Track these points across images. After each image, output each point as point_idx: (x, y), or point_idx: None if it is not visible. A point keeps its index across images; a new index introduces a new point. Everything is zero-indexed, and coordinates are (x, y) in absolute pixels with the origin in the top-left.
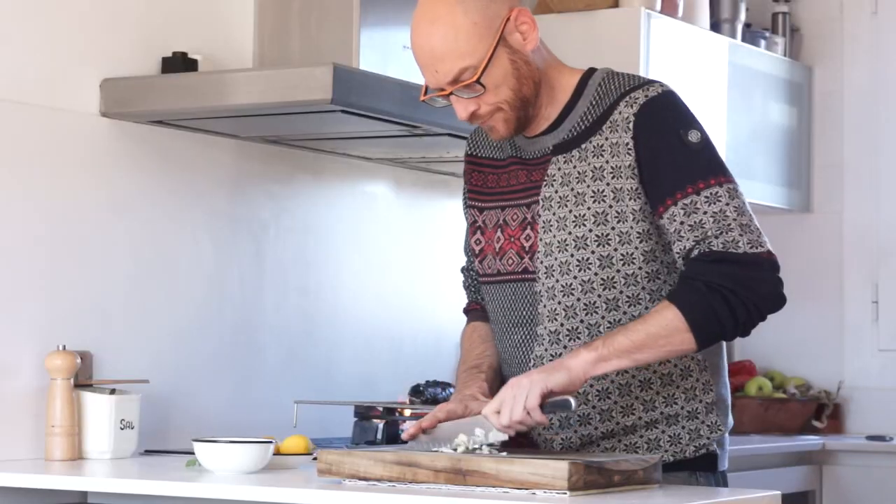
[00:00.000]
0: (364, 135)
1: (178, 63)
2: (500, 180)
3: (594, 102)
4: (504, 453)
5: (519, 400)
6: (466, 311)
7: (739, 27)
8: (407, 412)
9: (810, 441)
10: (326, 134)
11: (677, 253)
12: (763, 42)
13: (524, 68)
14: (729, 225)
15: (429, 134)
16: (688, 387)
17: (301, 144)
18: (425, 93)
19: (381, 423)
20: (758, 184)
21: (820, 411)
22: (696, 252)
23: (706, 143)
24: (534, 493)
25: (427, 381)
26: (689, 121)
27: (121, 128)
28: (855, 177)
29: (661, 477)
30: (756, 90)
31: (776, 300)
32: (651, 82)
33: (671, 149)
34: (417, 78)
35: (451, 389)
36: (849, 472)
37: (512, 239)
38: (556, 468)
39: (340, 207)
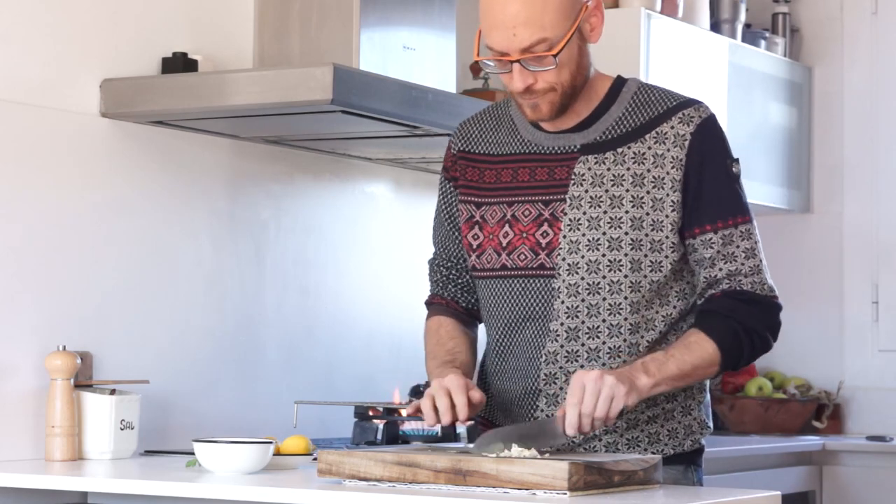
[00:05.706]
0: (364, 135)
1: (178, 63)
2: (500, 175)
3: (631, 110)
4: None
5: (604, 403)
6: (429, 303)
7: (739, 27)
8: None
9: (810, 441)
10: (326, 134)
11: (705, 278)
12: (763, 42)
13: (584, 59)
14: (758, 266)
15: (429, 134)
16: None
17: (301, 144)
18: (478, 54)
19: (381, 423)
20: (758, 184)
21: (820, 411)
22: (725, 285)
23: (739, 178)
24: (534, 494)
25: (427, 382)
26: (731, 150)
27: (121, 128)
28: (855, 177)
29: (662, 476)
30: (756, 90)
31: (775, 340)
32: (697, 101)
33: (719, 177)
34: (417, 78)
35: None
36: (849, 472)
37: (524, 234)
38: (556, 468)
39: (340, 207)
